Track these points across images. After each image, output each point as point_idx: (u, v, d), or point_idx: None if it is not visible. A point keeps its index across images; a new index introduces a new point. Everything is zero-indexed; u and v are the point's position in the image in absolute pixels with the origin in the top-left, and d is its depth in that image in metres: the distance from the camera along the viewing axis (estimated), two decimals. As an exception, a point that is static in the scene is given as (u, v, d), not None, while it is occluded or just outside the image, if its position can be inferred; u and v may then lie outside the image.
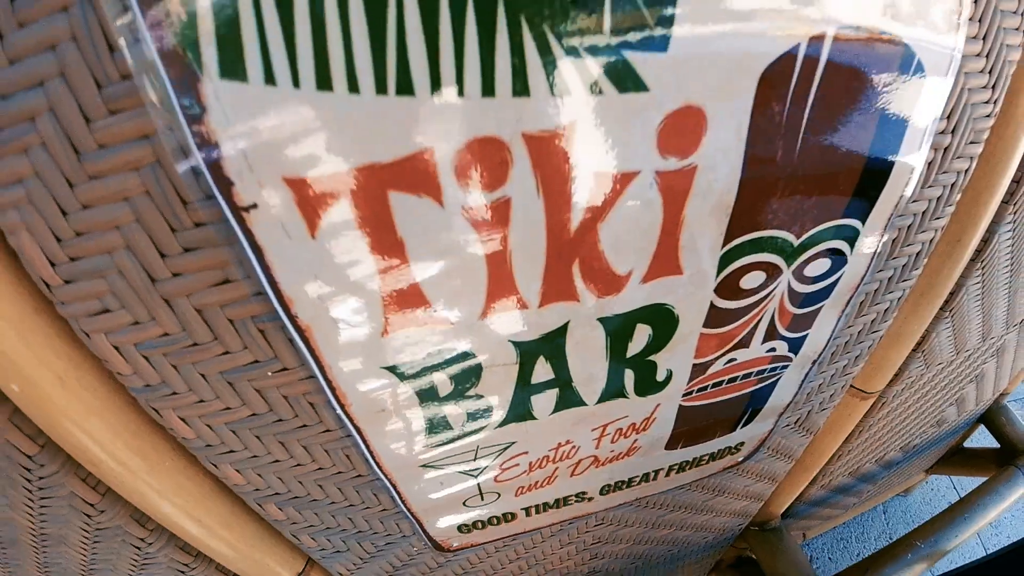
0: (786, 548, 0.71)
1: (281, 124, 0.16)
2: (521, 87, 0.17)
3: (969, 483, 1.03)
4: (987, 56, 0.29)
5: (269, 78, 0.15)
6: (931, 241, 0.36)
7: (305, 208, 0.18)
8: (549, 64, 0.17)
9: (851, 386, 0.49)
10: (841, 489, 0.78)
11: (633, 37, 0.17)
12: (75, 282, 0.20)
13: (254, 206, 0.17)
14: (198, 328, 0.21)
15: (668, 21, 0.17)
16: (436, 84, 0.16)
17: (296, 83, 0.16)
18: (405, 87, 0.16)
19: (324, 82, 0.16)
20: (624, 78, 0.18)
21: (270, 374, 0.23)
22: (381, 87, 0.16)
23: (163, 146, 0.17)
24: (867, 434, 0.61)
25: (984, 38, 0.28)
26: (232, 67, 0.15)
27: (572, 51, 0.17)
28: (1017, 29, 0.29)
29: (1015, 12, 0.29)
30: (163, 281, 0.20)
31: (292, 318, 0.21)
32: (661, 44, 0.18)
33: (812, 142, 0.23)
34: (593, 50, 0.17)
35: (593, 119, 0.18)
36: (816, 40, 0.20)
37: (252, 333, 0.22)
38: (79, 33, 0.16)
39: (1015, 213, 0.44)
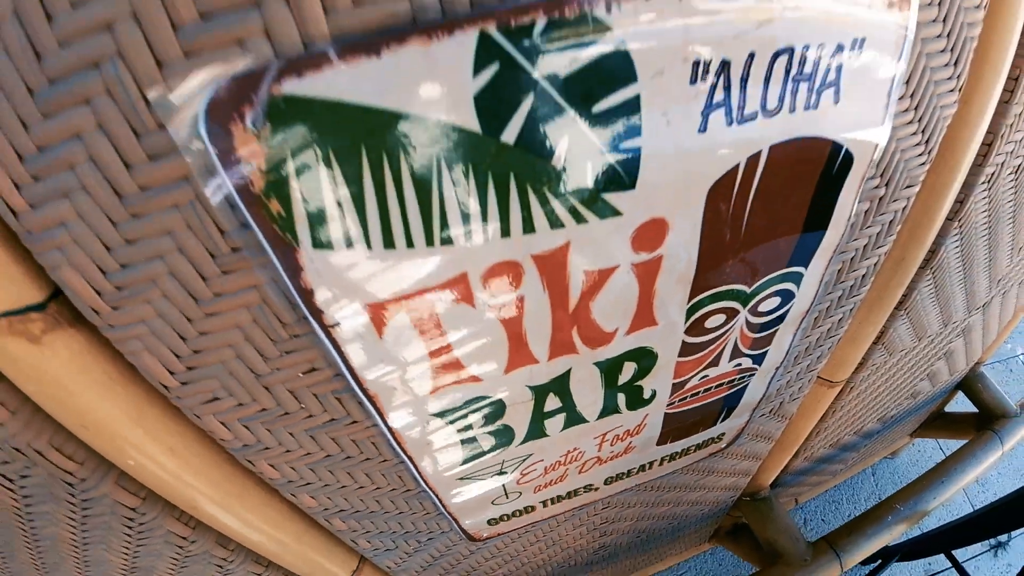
0: (775, 515, 0.81)
1: (359, 272, 0.23)
2: (529, 228, 0.24)
3: (954, 443, 1.13)
4: (919, 120, 0.35)
5: (349, 245, 0.22)
6: (876, 264, 0.43)
7: (376, 320, 0.25)
8: (549, 211, 0.24)
9: (818, 378, 0.57)
10: (824, 459, 0.87)
11: (609, 184, 0.24)
12: (191, 383, 0.26)
13: (338, 324, 0.24)
14: (290, 402, 0.28)
15: (635, 170, 0.24)
16: (469, 235, 0.23)
17: (368, 246, 0.22)
18: (447, 240, 0.23)
19: (389, 243, 0.22)
20: (603, 210, 0.25)
21: (343, 425, 0.31)
22: (430, 242, 0.23)
23: (268, 291, 0.24)
24: (840, 413, 0.69)
25: (916, 108, 0.34)
26: (321, 241, 0.22)
27: (564, 201, 0.24)
28: (952, 91, 0.35)
29: (949, 78, 0.34)
30: (265, 375, 0.27)
31: (364, 390, 0.28)
32: (630, 184, 0.24)
33: (755, 224, 0.30)
34: (580, 197, 0.24)
35: (581, 239, 0.25)
36: (754, 157, 0.27)
37: (331, 401, 0.29)
38: (193, 224, 0.22)
39: (961, 225, 0.50)
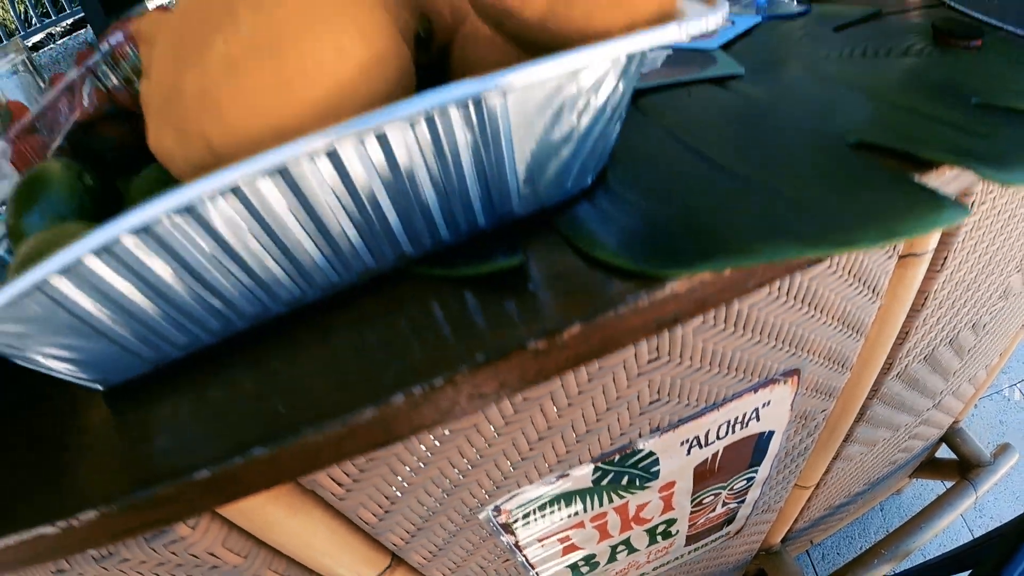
0: (785, 563, 1.11)
1: (539, 531, 0.56)
2: (610, 502, 0.56)
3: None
4: (819, 393, 0.65)
5: (537, 524, 0.55)
6: (814, 439, 0.73)
7: (541, 542, 0.58)
8: (620, 495, 0.56)
9: (794, 485, 0.87)
10: (824, 516, 1.17)
11: (646, 481, 0.56)
12: None
13: (528, 547, 0.58)
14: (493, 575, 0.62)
15: (657, 475, 0.56)
16: (586, 511, 0.56)
17: (545, 526, 0.55)
18: (577, 518, 0.56)
19: (555, 523, 0.55)
20: (643, 488, 0.57)
21: (516, 576, 0.64)
22: (570, 518, 0.56)
23: (501, 546, 0.56)
24: (823, 494, 0.99)
25: (816, 390, 0.64)
26: (525, 526, 0.55)
27: (626, 491, 0.56)
28: (841, 374, 0.65)
29: (840, 373, 0.65)
30: (489, 570, 0.60)
31: (529, 562, 0.61)
32: (655, 478, 0.57)
33: (721, 469, 0.61)
34: (632, 487, 0.56)
35: (633, 498, 0.58)
36: (715, 453, 0.58)
37: (512, 569, 0.62)
38: (479, 535, 0.55)
39: (882, 397, 0.79)
